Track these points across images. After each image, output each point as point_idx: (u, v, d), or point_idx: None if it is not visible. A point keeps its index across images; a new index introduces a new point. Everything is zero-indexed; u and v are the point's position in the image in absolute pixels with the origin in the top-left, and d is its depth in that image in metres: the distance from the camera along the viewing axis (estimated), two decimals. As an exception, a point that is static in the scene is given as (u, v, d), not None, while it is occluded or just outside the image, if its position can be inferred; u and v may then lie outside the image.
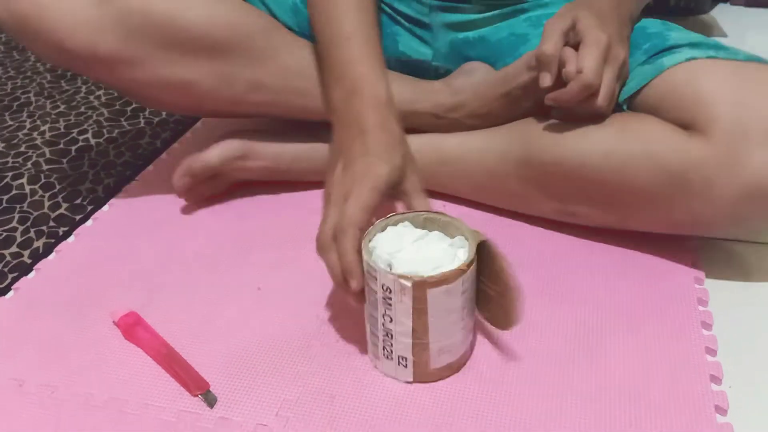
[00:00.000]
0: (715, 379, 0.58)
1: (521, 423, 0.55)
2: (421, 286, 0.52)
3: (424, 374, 0.57)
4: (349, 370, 0.60)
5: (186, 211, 0.82)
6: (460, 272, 0.53)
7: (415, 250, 0.56)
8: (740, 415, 0.55)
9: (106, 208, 0.84)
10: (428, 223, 0.59)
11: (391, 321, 0.54)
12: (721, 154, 0.61)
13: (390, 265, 0.54)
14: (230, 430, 0.56)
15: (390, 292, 0.53)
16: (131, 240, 0.78)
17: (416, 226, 0.59)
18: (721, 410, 0.55)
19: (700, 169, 0.62)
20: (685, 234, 0.69)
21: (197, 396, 0.58)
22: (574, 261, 0.71)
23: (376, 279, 0.53)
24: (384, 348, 0.57)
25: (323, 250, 0.58)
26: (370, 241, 0.56)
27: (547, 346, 0.62)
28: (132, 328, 0.65)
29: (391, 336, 0.55)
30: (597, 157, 0.66)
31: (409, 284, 0.52)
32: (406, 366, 0.57)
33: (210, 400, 0.58)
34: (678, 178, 0.63)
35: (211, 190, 0.82)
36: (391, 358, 0.57)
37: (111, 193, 0.87)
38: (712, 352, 0.61)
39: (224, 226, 0.80)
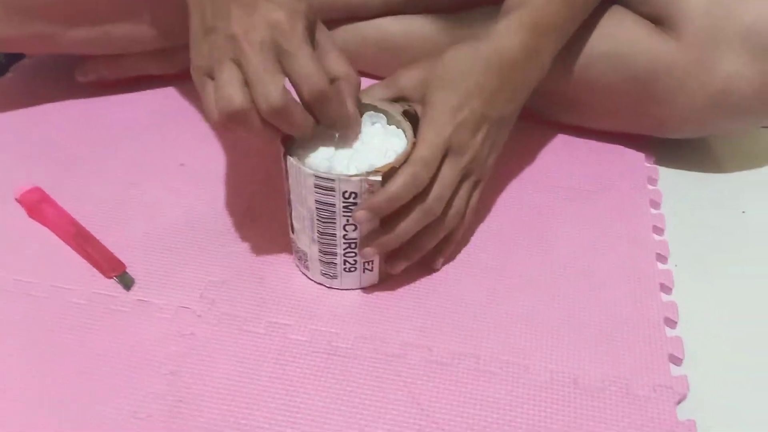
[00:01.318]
0: (662, 258, 0.56)
1: (464, 302, 0.52)
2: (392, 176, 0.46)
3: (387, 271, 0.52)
4: (281, 252, 0.55)
5: (101, 86, 0.73)
6: (412, 146, 0.48)
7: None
8: (684, 293, 0.53)
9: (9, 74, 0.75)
10: None
11: (356, 228, 0.48)
12: (691, 57, 0.58)
13: (331, 168, 0.47)
14: (149, 313, 0.51)
15: (355, 197, 0.46)
16: (38, 113, 0.69)
17: None
18: (666, 288, 0.54)
19: (668, 73, 0.59)
20: (643, 134, 0.66)
21: (112, 278, 0.53)
22: (522, 143, 0.67)
23: (333, 190, 0.46)
24: (345, 263, 0.50)
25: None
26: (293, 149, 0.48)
27: (491, 226, 0.58)
28: (37, 205, 0.58)
29: (355, 245, 0.49)
30: (560, 55, 0.59)
31: (379, 179, 0.46)
32: (372, 269, 0.51)
33: (126, 282, 0.53)
34: (645, 82, 0.60)
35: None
36: (354, 269, 0.51)
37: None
38: (659, 231, 0.58)
39: (143, 100, 0.72)
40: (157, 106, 0.71)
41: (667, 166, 0.65)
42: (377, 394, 0.46)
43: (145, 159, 0.64)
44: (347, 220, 0.47)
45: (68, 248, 0.56)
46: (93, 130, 0.67)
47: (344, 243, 0.49)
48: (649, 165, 0.65)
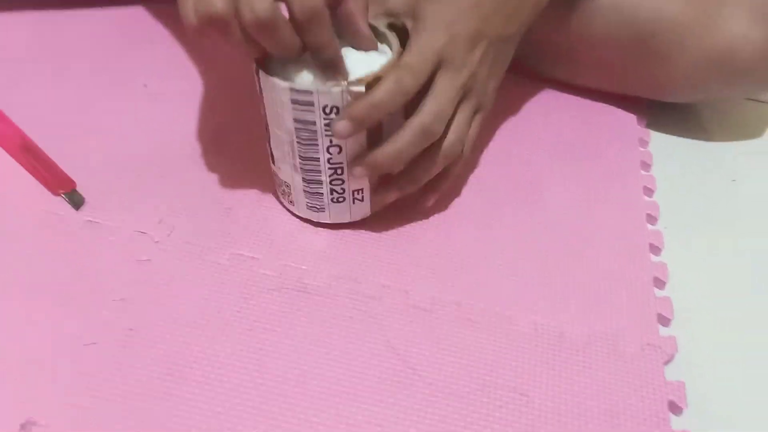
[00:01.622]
0: (651, 219, 0.54)
1: (447, 249, 0.48)
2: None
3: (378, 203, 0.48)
4: (251, 181, 0.51)
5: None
6: (399, 54, 0.44)
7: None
8: (674, 254, 0.51)
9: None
10: None
11: (341, 151, 0.44)
12: (696, 13, 0.55)
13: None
14: (100, 236, 0.46)
15: (337, 111, 0.41)
16: (-15, 18, 0.63)
17: None
18: (656, 249, 0.51)
19: (671, 29, 0.56)
20: (635, 95, 0.63)
21: (60, 195, 0.48)
22: (511, 97, 0.63)
23: (312, 104, 0.41)
24: (332, 192, 0.45)
25: None
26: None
27: (478, 177, 0.55)
28: (-21, 113, 0.52)
29: (342, 171, 0.45)
30: (557, 4, 0.55)
31: (362, 89, 0.41)
32: (362, 199, 0.47)
33: (75, 201, 0.48)
34: (645, 38, 0.56)
35: None
36: (342, 200, 0.46)
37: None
38: (649, 192, 0.56)
39: (109, 16, 0.66)
40: (124, 23, 0.65)
41: (658, 130, 0.63)
42: (349, 336, 0.42)
43: (105, 77, 0.59)
44: (331, 141, 0.43)
45: (13, 162, 0.50)
46: (50, 42, 0.61)
47: (329, 168, 0.44)
48: (640, 127, 0.62)
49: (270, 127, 0.45)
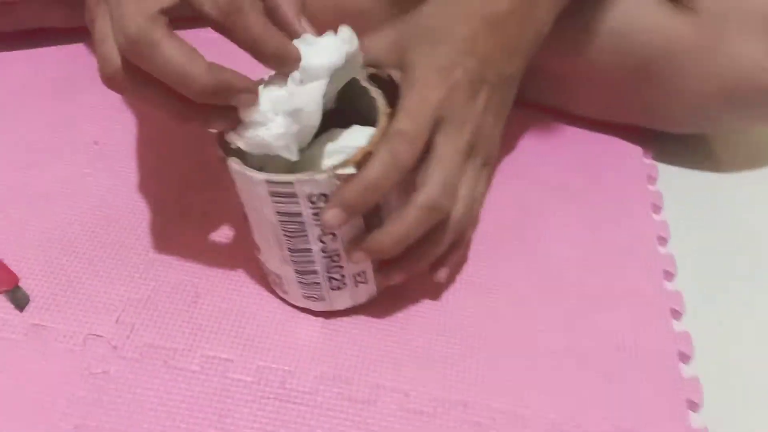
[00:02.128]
0: (668, 275, 0.48)
1: (447, 331, 0.43)
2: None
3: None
4: (220, 259, 0.45)
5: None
6: (387, 118, 0.38)
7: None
8: (698, 320, 0.46)
9: None
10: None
11: (335, 237, 0.37)
12: (707, 38, 0.49)
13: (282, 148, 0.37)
14: (48, 343, 0.40)
15: (325, 199, 0.35)
16: None
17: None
18: (677, 313, 0.46)
19: (679, 55, 0.50)
20: (639, 125, 0.57)
21: (1, 293, 0.41)
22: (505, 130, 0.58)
23: (295, 195, 0.35)
24: (331, 280, 0.39)
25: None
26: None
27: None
28: None
29: (339, 257, 0.39)
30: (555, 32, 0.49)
31: (352, 170, 0.35)
32: (365, 281, 0.40)
33: (19, 300, 0.41)
34: (649, 64, 0.51)
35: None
36: (343, 286, 0.40)
37: None
38: (663, 241, 0.51)
39: (46, 59, 0.58)
40: (63, 68, 0.57)
41: (666, 161, 0.58)
42: (343, 454, 0.37)
43: (47, 134, 0.52)
44: (322, 230, 0.37)
45: (-58, 251, 0.43)
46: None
47: (324, 257, 0.38)
48: (647, 161, 0.57)
49: (249, 218, 0.38)
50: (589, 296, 0.46)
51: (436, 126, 0.38)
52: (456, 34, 0.40)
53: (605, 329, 0.44)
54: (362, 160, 0.35)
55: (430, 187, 0.37)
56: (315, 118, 0.35)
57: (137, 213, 0.47)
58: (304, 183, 0.35)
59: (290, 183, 0.35)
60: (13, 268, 0.43)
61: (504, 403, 0.40)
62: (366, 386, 0.40)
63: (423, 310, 0.44)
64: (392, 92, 0.39)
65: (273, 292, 0.43)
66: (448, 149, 0.38)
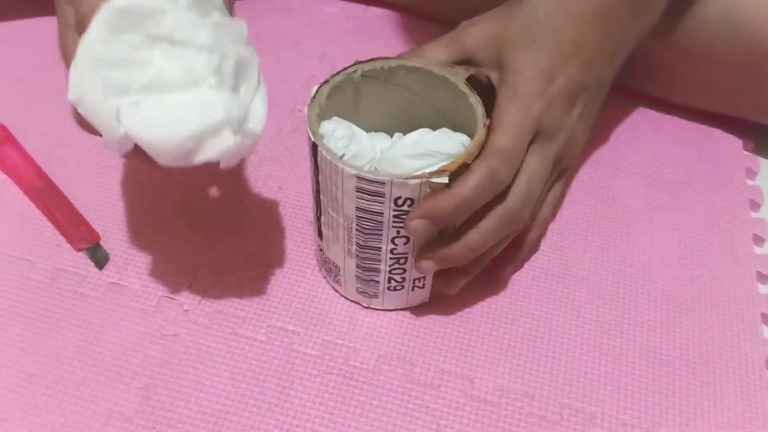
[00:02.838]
0: (762, 278, 0.45)
1: (517, 320, 0.41)
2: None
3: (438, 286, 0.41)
4: (297, 235, 0.45)
5: None
6: (485, 129, 0.36)
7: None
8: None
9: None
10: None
11: (408, 242, 0.36)
12: None
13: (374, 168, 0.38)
14: (124, 302, 0.41)
15: (411, 204, 0.34)
16: (2, 30, 0.57)
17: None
18: (764, 278, 0.43)
19: None
20: (742, 117, 0.53)
21: (82, 251, 0.43)
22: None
23: (383, 195, 0.34)
24: (390, 280, 0.39)
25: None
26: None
27: (554, 223, 0.47)
28: (-3, 148, 0.47)
29: (405, 261, 0.38)
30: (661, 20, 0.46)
31: (445, 180, 0.34)
32: (422, 286, 0.40)
33: (99, 258, 0.42)
34: (757, 58, 0.47)
35: None
36: (400, 288, 0.39)
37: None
38: (759, 241, 0.47)
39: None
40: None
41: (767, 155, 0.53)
42: (402, 436, 0.36)
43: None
44: (398, 232, 0.36)
45: (32, 206, 0.45)
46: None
47: (391, 259, 0.37)
48: (747, 154, 0.53)
49: (322, 203, 0.38)
50: (674, 295, 0.43)
51: (533, 139, 0.37)
52: (562, 34, 0.38)
53: (689, 332, 0.42)
54: (457, 171, 0.34)
55: (513, 198, 0.36)
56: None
57: (216, 182, 0.47)
58: (395, 185, 0.34)
59: (382, 183, 0.34)
60: (96, 227, 0.44)
61: (573, 398, 0.38)
62: (430, 370, 0.39)
63: (492, 298, 0.42)
64: (489, 92, 0.38)
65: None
66: (536, 160, 0.37)
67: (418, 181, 0.33)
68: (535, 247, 0.43)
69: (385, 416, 0.37)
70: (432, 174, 0.34)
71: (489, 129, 0.36)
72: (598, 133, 0.53)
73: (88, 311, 0.40)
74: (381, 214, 0.35)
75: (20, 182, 0.46)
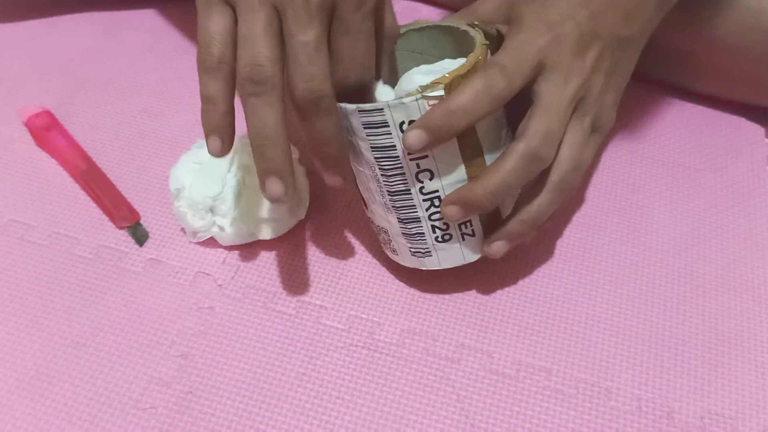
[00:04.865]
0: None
1: (536, 300, 0.43)
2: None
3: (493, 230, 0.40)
4: (326, 211, 0.47)
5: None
6: (485, 49, 0.37)
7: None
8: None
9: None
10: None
11: (432, 177, 0.36)
12: None
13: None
14: (162, 276, 0.43)
15: None
16: (52, 24, 0.60)
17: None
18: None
19: None
20: (762, 105, 0.54)
21: (123, 229, 0.45)
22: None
23: (387, 124, 0.35)
24: (434, 229, 0.38)
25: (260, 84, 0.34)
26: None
27: (573, 202, 0.48)
28: (45, 132, 0.50)
29: (439, 199, 0.37)
30: (685, 6, 0.46)
31: (441, 92, 0.34)
32: (472, 233, 0.39)
33: (139, 236, 0.45)
34: None
35: None
36: (449, 237, 0.38)
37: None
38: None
39: (177, 15, 0.62)
40: (193, 23, 0.61)
41: (791, 144, 0.54)
42: (422, 407, 0.38)
43: (173, 84, 0.55)
44: (418, 165, 0.36)
45: (77, 187, 0.48)
46: (114, 46, 0.58)
47: (424, 200, 0.37)
48: (769, 142, 0.54)
49: (352, 163, 0.39)
50: (694, 281, 0.44)
51: (538, 72, 0.37)
52: None
53: (706, 313, 0.43)
54: (453, 84, 0.34)
55: (531, 135, 0.36)
56: None
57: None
58: (393, 108, 0.34)
59: (380, 109, 0.35)
60: (136, 207, 0.46)
61: (589, 374, 0.40)
62: (451, 344, 0.41)
63: (512, 276, 0.44)
64: (497, 46, 0.38)
65: (369, 247, 0.45)
66: (552, 98, 0.37)
67: (413, 98, 0.34)
68: (562, 193, 0.39)
69: (407, 387, 0.39)
70: (425, 87, 0.34)
71: (488, 51, 0.36)
72: (621, 120, 0.53)
73: (129, 285, 0.43)
74: (394, 147, 0.36)
75: (66, 165, 0.48)
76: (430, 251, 0.40)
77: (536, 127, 0.36)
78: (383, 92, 0.39)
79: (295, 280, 0.43)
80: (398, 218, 0.39)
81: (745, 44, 0.49)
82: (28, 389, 0.38)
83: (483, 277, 0.43)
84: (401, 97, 0.35)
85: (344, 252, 0.45)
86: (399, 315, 0.42)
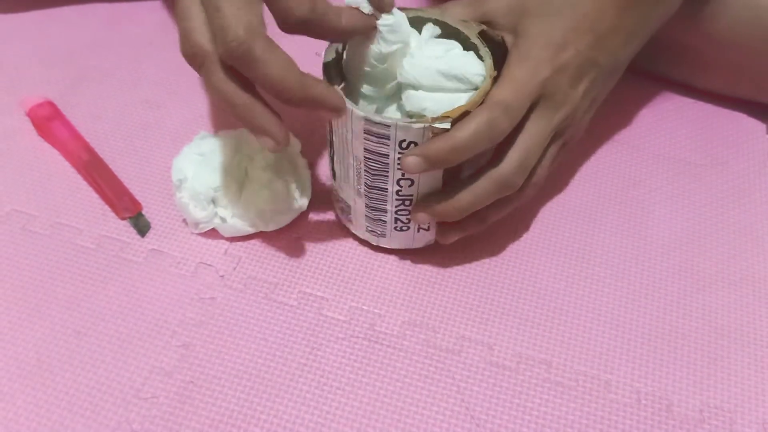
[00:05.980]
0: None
1: (537, 292, 0.43)
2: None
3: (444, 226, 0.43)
4: (325, 204, 0.47)
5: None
6: (492, 82, 0.38)
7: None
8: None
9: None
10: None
11: (412, 184, 0.39)
12: None
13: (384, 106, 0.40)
14: (164, 268, 0.43)
15: (414, 147, 0.37)
16: (55, 15, 0.60)
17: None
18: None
19: None
20: (763, 101, 0.54)
21: (125, 219, 0.46)
22: (618, 99, 0.56)
23: (388, 138, 0.36)
24: (396, 221, 0.41)
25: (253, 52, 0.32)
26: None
27: (574, 197, 0.48)
28: (47, 122, 0.50)
29: (410, 203, 0.40)
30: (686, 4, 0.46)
31: (447, 126, 0.36)
32: (428, 228, 0.42)
33: (141, 226, 0.45)
34: None
35: None
36: (406, 228, 0.42)
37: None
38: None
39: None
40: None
41: (792, 140, 0.54)
42: (423, 398, 0.38)
43: (175, 76, 0.55)
44: (402, 174, 0.38)
45: (79, 178, 0.48)
46: (117, 37, 0.58)
47: (396, 200, 0.40)
48: (770, 138, 0.54)
49: (334, 145, 0.40)
50: (694, 275, 0.44)
51: (535, 102, 0.38)
52: (580, 10, 0.39)
53: (705, 307, 0.43)
54: (459, 118, 0.36)
55: (507, 164, 0.38)
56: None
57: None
58: (399, 128, 0.36)
59: (387, 126, 0.36)
60: (138, 198, 0.46)
61: (589, 366, 0.40)
62: (451, 336, 0.41)
63: (513, 270, 0.44)
64: (500, 53, 0.39)
65: (371, 239, 0.45)
66: (537, 128, 0.38)
67: (421, 125, 0.35)
68: (501, 189, 0.40)
69: (407, 378, 0.39)
70: (435, 119, 0.36)
71: (495, 82, 0.37)
72: (622, 116, 0.54)
73: (131, 275, 0.43)
74: (386, 156, 0.37)
75: (68, 156, 0.49)
76: (385, 235, 0.42)
77: (514, 156, 0.38)
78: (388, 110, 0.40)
79: (297, 271, 0.43)
80: (366, 205, 0.41)
81: (746, 40, 0.49)
82: (29, 378, 0.38)
83: (483, 270, 0.44)
84: (410, 121, 0.36)
85: (345, 243, 0.45)
86: (400, 307, 0.42)
